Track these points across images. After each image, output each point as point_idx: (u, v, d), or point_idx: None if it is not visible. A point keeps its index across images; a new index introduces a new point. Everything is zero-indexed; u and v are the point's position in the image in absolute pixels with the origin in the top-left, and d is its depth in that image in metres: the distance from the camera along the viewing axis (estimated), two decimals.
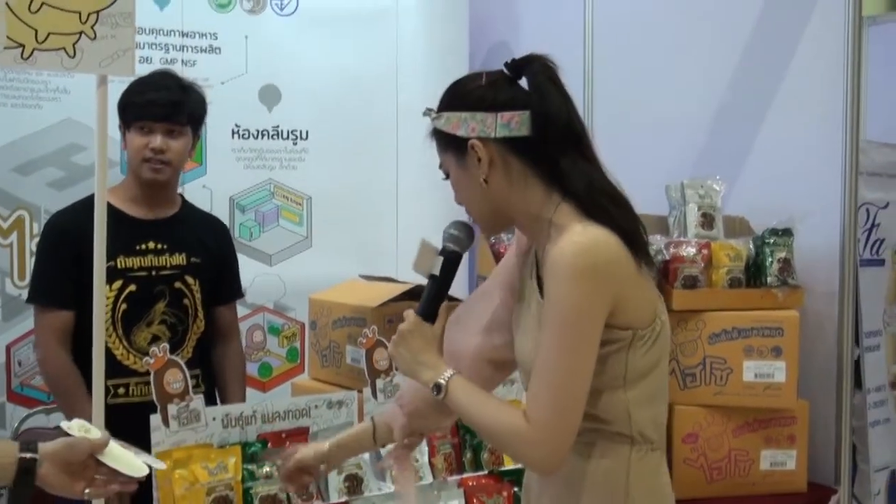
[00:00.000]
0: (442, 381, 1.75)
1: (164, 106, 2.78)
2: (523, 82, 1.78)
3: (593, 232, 1.66)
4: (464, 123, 1.76)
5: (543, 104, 1.74)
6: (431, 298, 1.86)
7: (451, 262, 1.86)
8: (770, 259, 2.88)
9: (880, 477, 3.16)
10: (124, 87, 2.83)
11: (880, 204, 3.19)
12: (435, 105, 1.83)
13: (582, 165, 1.75)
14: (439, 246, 1.88)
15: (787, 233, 2.92)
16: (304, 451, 2.08)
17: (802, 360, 2.83)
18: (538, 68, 1.76)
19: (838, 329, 2.92)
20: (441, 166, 1.86)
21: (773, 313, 2.78)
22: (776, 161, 3.14)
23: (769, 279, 2.87)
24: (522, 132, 1.74)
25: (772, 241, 2.92)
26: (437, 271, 1.86)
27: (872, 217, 3.17)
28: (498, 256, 2.96)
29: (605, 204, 1.71)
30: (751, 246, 2.91)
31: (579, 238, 1.66)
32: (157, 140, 2.77)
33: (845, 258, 2.90)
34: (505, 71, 1.79)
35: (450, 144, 1.81)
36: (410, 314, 1.85)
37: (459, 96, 1.81)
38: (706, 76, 3.34)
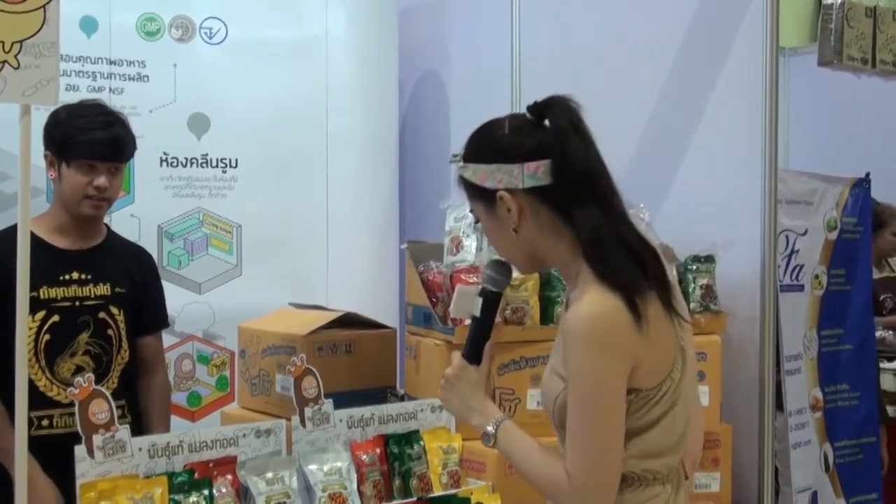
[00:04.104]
0: (491, 430, 1.79)
1: (111, 145, 2.76)
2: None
3: (606, 299, 1.65)
4: (491, 176, 1.76)
5: (562, 151, 1.72)
6: (475, 339, 1.89)
7: (491, 302, 1.89)
8: (693, 285, 2.93)
9: (802, 498, 3.22)
10: (47, 114, 2.80)
11: (799, 231, 3.26)
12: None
13: (595, 214, 1.72)
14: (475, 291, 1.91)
15: (710, 259, 2.98)
16: None
17: (725, 384, 2.88)
18: (559, 112, 1.75)
19: (760, 353, 2.96)
20: (471, 212, 1.87)
21: (696, 338, 2.81)
22: (699, 189, 3.19)
23: (692, 305, 2.92)
24: (548, 181, 1.73)
25: (694, 267, 2.98)
26: (477, 312, 1.89)
27: (792, 243, 3.24)
28: (426, 284, 2.96)
29: (611, 262, 1.69)
30: (674, 273, 2.95)
31: (592, 306, 1.65)
32: (102, 179, 2.75)
33: (766, 284, 2.94)
34: (528, 115, 1.78)
35: (478, 194, 1.81)
36: (456, 357, 1.87)
37: (485, 147, 1.80)
38: (630, 106, 3.39)
